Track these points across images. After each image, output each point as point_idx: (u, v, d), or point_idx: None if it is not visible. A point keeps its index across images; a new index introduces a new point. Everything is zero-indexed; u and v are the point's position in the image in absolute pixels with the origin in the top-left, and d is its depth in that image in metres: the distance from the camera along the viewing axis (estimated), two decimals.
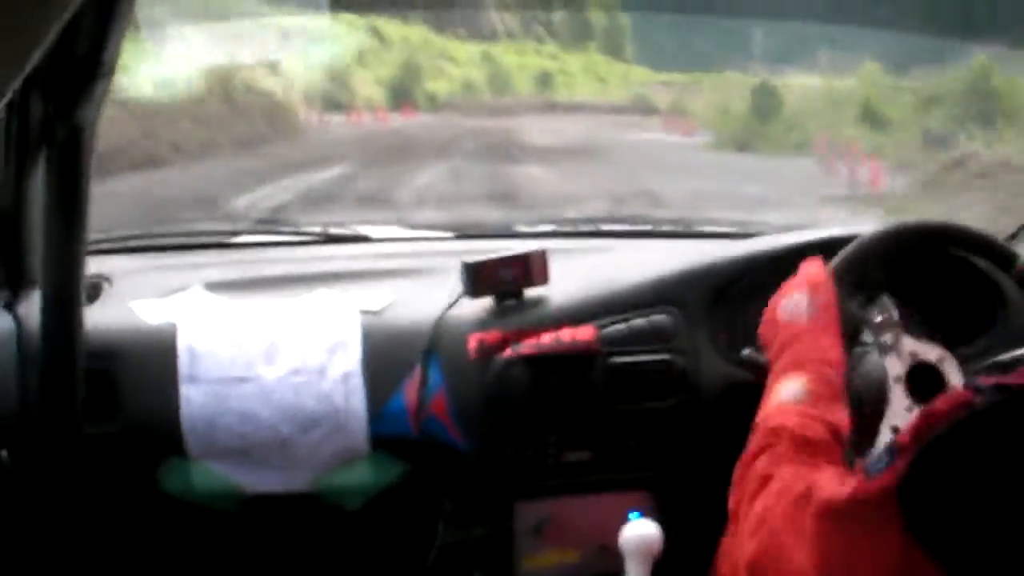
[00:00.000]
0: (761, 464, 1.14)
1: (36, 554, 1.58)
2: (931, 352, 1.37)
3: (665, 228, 2.26)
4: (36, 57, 0.65)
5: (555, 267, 1.62)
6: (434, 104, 16.02)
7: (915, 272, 1.60)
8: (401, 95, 15.65)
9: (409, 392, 1.55)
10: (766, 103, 14.57)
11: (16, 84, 0.66)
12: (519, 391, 1.53)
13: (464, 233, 2.10)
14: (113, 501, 1.58)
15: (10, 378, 1.50)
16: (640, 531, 1.43)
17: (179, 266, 1.84)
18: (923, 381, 1.36)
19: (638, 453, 1.58)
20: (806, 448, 1.14)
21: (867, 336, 1.40)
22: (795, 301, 1.33)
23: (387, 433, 1.55)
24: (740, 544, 1.09)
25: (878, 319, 1.38)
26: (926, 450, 0.89)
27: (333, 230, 2.07)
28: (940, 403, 0.93)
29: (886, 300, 1.45)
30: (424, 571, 1.60)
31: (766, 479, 1.12)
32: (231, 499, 1.56)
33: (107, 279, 1.72)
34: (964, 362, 1.39)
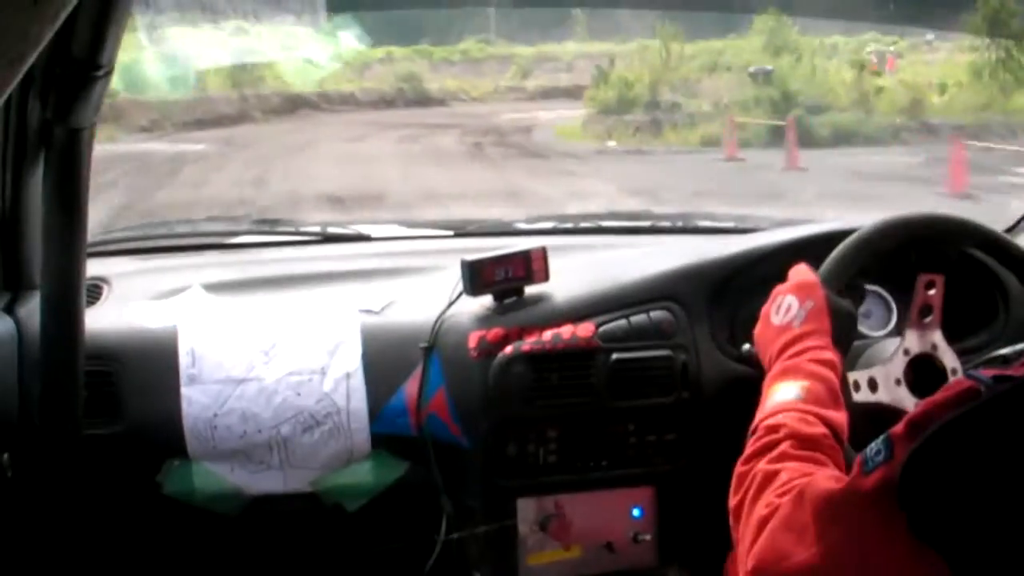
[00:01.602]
0: (762, 463, 1.14)
1: (37, 556, 1.58)
2: (927, 343, 1.37)
3: (664, 224, 2.26)
4: (32, 59, 0.64)
5: (555, 264, 1.62)
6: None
7: (914, 265, 1.60)
8: None
9: (409, 391, 1.55)
10: None
11: (13, 86, 0.66)
12: (520, 388, 1.53)
13: (463, 231, 2.09)
14: (114, 503, 1.58)
15: (11, 381, 1.50)
16: None
17: (178, 267, 1.83)
18: (923, 374, 1.36)
19: (639, 449, 1.57)
20: (806, 445, 1.13)
21: (862, 334, 1.40)
22: (786, 305, 1.32)
23: (388, 432, 1.55)
24: (743, 545, 1.09)
25: (871, 318, 1.38)
26: (927, 442, 0.89)
27: (332, 229, 2.06)
28: (939, 395, 0.93)
29: (879, 297, 1.46)
30: (426, 570, 1.60)
31: (768, 478, 1.11)
32: (232, 500, 1.56)
33: (107, 281, 1.72)
34: (966, 355, 1.39)
